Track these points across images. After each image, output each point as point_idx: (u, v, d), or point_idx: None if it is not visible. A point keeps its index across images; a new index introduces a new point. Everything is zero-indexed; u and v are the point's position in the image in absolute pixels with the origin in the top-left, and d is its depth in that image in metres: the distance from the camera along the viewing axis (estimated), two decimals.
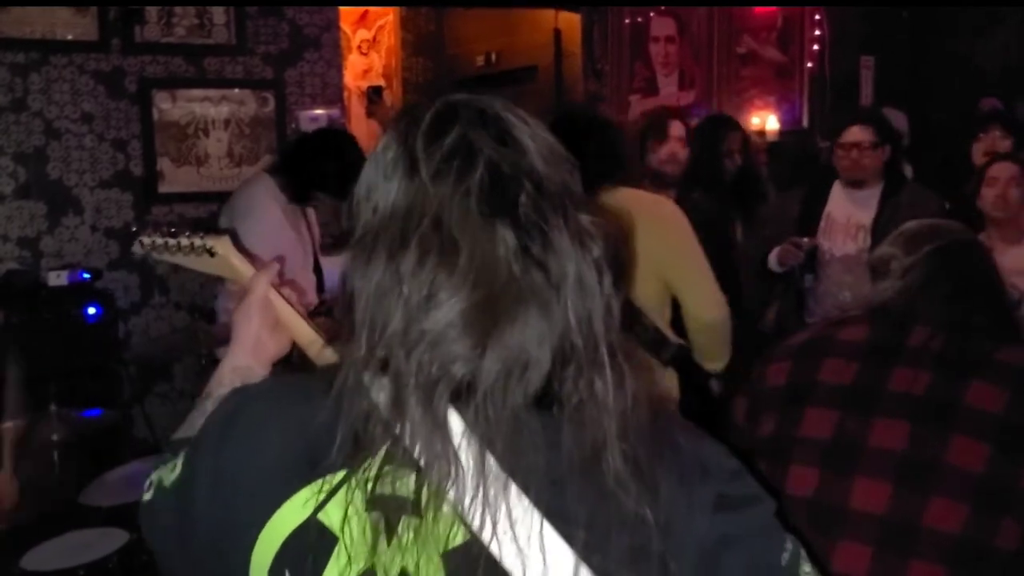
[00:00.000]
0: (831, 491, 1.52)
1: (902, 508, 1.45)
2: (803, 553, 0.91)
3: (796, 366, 1.67)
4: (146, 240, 1.30)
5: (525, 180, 0.82)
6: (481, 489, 0.78)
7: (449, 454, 0.78)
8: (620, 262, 0.87)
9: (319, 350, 1.18)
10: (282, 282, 1.24)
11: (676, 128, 3.57)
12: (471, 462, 0.78)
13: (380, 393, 0.81)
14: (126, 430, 4.22)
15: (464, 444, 0.79)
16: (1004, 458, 1.41)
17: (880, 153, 3.45)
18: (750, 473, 0.91)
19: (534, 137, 0.85)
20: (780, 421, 1.63)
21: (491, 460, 0.79)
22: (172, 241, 1.27)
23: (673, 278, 2.54)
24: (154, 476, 1.06)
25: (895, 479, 1.47)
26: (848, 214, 3.50)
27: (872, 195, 3.46)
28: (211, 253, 1.25)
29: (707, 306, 2.56)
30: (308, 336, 1.21)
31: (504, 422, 0.79)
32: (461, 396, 0.80)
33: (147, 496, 1.05)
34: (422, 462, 0.79)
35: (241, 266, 1.27)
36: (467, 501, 0.78)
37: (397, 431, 0.80)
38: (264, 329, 1.19)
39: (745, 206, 3.89)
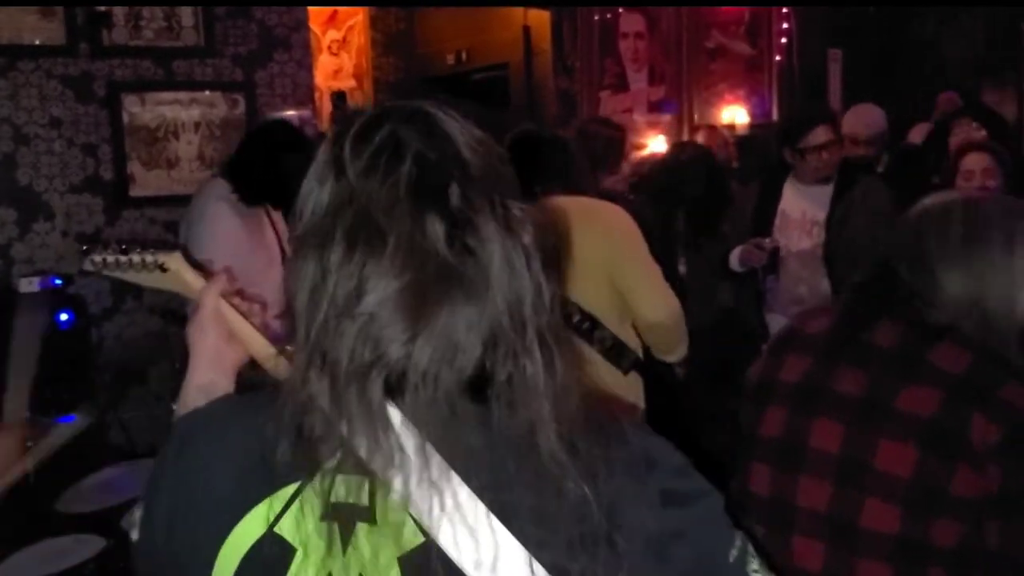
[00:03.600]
0: (782, 489, 1.54)
1: (842, 508, 1.46)
2: (751, 549, 0.92)
3: (767, 362, 1.69)
4: (96, 258, 1.26)
5: (453, 169, 0.84)
6: (426, 477, 0.79)
7: (391, 442, 0.80)
8: (553, 250, 0.88)
9: (275, 363, 1.14)
10: (235, 292, 1.22)
11: None
12: (412, 451, 0.80)
13: (322, 393, 0.82)
14: (102, 436, 4.19)
15: (404, 432, 0.80)
16: (934, 462, 1.38)
17: (840, 148, 3.48)
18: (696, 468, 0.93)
19: (463, 130, 0.87)
20: (749, 418, 1.66)
21: (430, 447, 0.80)
22: (123, 258, 1.24)
23: (619, 280, 2.54)
24: (137, 511, 1.05)
25: (834, 480, 1.48)
26: (802, 210, 3.51)
27: (825, 191, 3.46)
28: (163, 269, 1.23)
29: (653, 307, 2.58)
30: (263, 348, 1.18)
31: (439, 407, 0.81)
32: (396, 388, 0.81)
33: (133, 535, 1.06)
34: (362, 452, 0.80)
35: (195, 281, 1.24)
36: (415, 494, 0.79)
37: (344, 432, 0.81)
38: (220, 340, 1.18)
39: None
